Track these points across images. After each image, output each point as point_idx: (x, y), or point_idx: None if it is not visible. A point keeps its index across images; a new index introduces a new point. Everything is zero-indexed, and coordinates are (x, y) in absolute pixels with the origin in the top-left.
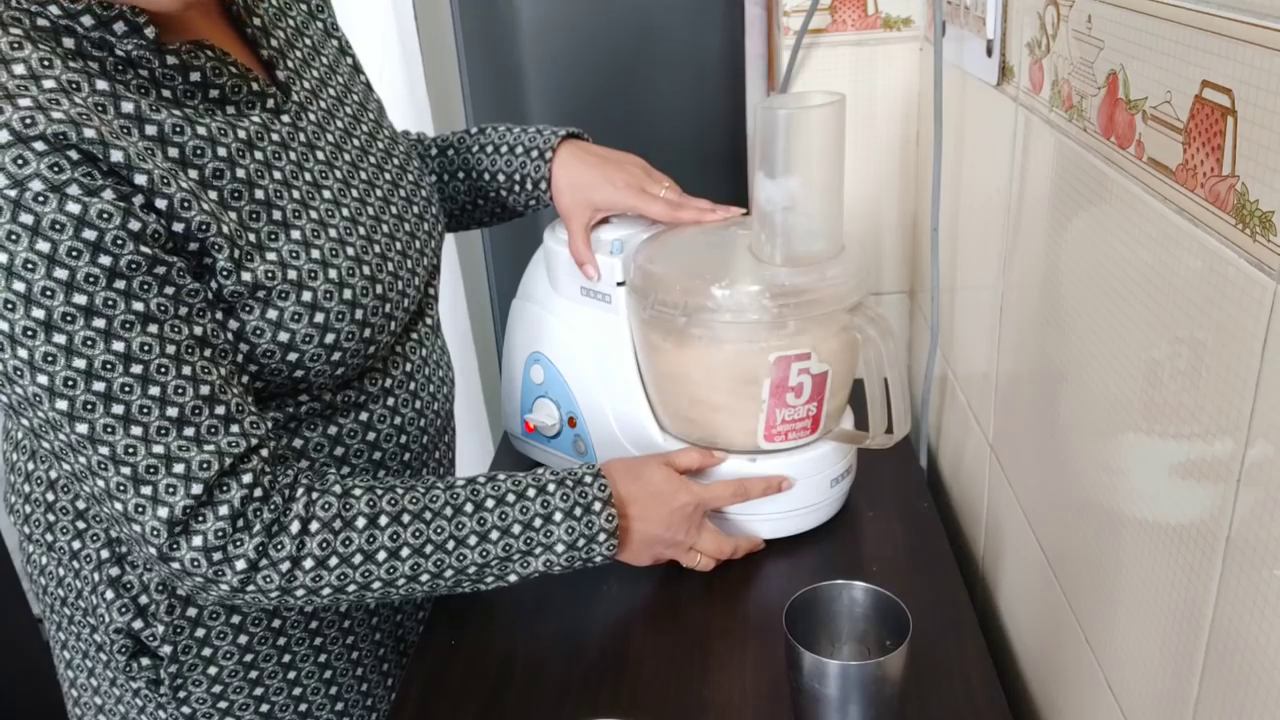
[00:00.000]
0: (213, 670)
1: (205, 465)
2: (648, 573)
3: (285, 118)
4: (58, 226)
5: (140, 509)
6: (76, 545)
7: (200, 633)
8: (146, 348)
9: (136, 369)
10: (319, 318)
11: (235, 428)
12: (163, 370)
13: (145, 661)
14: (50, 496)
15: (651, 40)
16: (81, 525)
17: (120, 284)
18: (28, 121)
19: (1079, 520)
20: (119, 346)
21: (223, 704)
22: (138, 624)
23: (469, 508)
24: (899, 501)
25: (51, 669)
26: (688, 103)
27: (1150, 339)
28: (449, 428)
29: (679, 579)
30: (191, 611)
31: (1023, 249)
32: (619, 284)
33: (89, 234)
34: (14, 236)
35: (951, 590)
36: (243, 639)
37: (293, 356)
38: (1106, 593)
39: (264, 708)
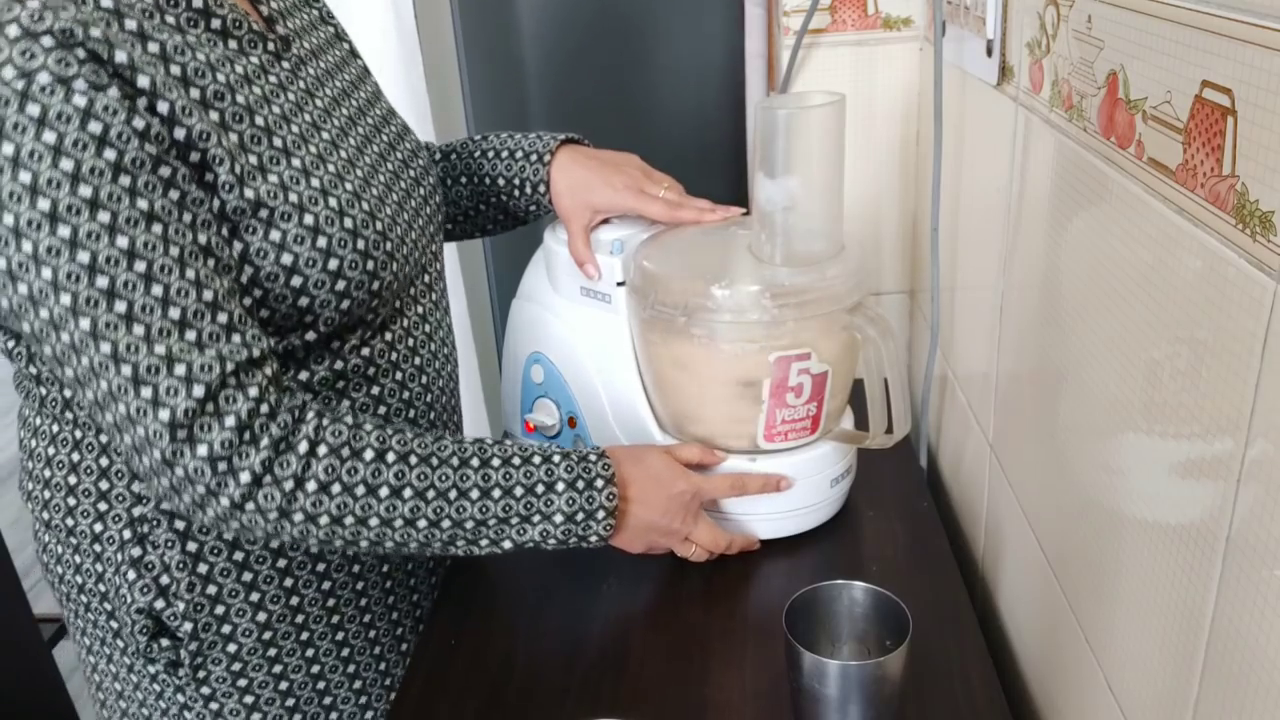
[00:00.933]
0: (231, 648)
1: (206, 368)
2: (648, 573)
3: (285, 64)
4: (64, 118)
5: (141, 411)
6: (98, 528)
7: (220, 610)
8: (150, 246)
9: (140, 266)
10: (321, 242)
11: (237, 337)
12: (166, 270)
13: (165, 642)
14: (73, 480)
15: (652, 40)
16: (104, 507)
17: (125, 180)
18: (36, 18)
19: (1079, 520)
20: (123, 242)
21: (242, 682)
22: (159, 603)
23: (475, 462)
24: (899, 501)
25: (52, 669)
26: (688, 103)
27: (1150, 339)
28: (455, 408)
29: (679, 579)
30: (211, 589)
31: (1023, 249)
32: (619, 284)
33: (95, 126)
34: (20, 127)
35: (951, 590)
36: (261, 616)
37: (296, 281)
38: (1106, 593)
39: (283, 685)
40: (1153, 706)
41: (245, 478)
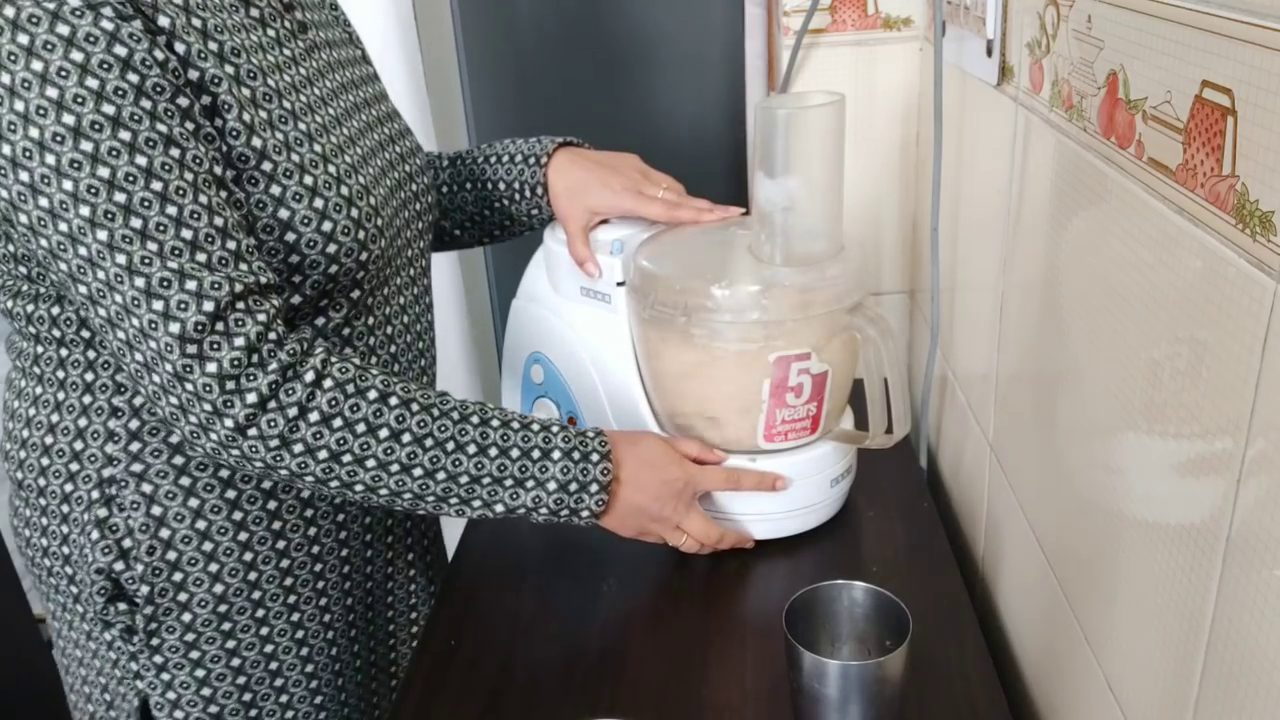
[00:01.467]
0: (187, 617)
1: (216, 286)
2: (647, 573)
3: (300, 43)
4: (91, 39)
5: (154, 324)
6: (69, 488)
7: (177, 576)
8: (167, 167)
9: (156, 186)
10: (318, 203)
11: (244, 265)
12: (180, 192)
13: (122, 606)
14: (49, 440)
15: (651, 40)
16: (75, 467)
17: (146, 103)
18: None
19: (1079, 520)
20: (142, 161)
21: (195, 654)
22: (119, 565)
23: (475, 419)
24: (899, 501)
25: (52, 669)
26: (688, 103)
27: (1150, 339)
28: None
29: (678, 579)
30: (171, 555)
31: (1023, 249)
32: (619, 284)
33: (120, 50)
34: (49, 46)
35: (951, 590)
36: (218, 588)
37: (290, 237)
38: (1106, 593)
39: (235, 662)
40: (1153, 706)
41: (251, 398)
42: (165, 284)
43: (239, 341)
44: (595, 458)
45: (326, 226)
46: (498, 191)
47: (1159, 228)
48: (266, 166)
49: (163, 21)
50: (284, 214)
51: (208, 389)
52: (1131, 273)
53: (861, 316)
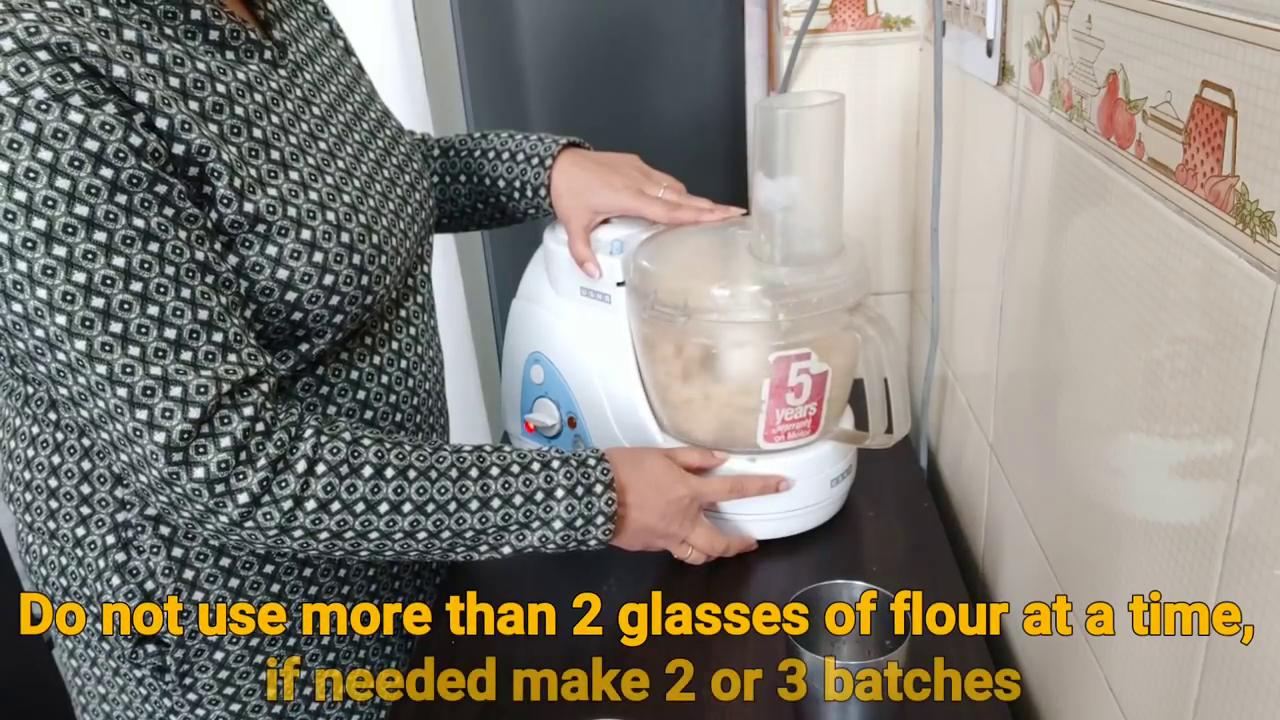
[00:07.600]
0: (219, 656)
1: (202, 389)
2: (648, 572)
3: (282, 71)
4: (60, 135)
5: (138, 432)
6: (80, 532)
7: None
8: (146, 265)
9: (136, 286)
10: (318, 257)
11: (233, 356)
12: (162, 290)
13: (151, 648)
14: (54, 483)
15: (651, 40)
16: (86, 511)
17: (121, 198)
18: (32, 31)
19: (1079, 520)
20: (119, 262)
21: (229, 690)
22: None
23: (474, 472)
24: (899, 501)
25: (52, 668)
26: (688, 103)
27: (1150, 339)
28: (442, 410)
29: (679, 579)
30: (197, 595)
31: (1023, 249)
32: (619, 284)
33: (91, 144)
34: (15, 145)
35: (951, 590)
36: (249, 624)
37: (291, 296)
38: (1106, 593)
39: (271, 691)
40: (1153, 706)
41: (243, 499)
42: (149, 392)
43: (225, 443)
44: (599, 489)
45: (328, 280)
46: (496, 188)
47: (1159, 228)
48: (260, 228)
49: (140, 97)
50: (282, 274)
51: (197, 493)
52: (1131, 273)
53: (861, 316)
